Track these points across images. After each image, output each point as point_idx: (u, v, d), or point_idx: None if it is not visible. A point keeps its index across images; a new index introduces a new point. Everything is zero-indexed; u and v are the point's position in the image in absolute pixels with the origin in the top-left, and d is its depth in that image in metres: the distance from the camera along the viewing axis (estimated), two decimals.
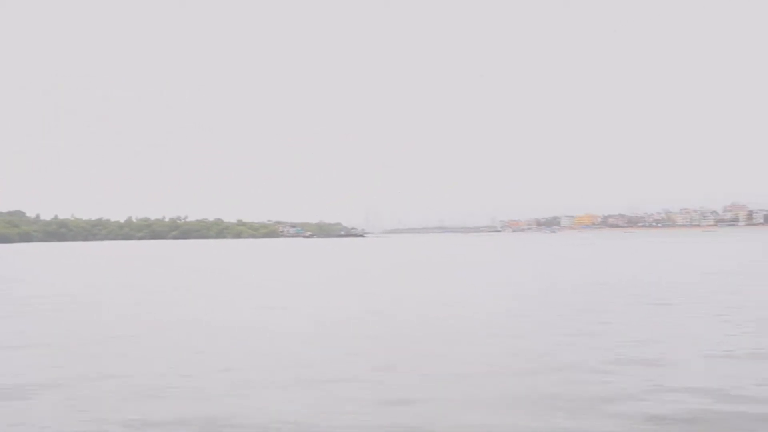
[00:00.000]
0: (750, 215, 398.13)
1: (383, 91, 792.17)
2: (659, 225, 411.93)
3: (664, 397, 10.43)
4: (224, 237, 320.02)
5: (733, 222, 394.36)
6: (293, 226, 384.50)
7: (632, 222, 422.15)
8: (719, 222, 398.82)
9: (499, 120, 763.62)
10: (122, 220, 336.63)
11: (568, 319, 19.20)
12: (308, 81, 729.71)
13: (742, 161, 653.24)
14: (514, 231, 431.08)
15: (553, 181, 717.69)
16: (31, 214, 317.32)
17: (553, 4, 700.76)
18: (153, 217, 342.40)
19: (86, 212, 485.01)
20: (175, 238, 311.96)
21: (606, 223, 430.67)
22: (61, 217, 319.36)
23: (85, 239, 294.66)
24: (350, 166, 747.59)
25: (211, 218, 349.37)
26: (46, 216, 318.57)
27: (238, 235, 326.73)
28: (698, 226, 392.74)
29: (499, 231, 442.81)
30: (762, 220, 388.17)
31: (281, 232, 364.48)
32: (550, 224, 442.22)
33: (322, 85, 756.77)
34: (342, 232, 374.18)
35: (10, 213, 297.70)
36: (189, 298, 29.12)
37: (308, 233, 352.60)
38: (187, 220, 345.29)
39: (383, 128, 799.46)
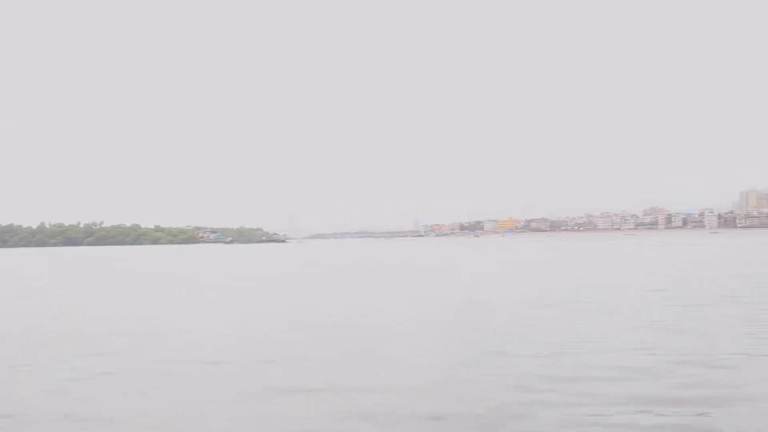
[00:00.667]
0: (669, 218, 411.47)
1: (310, 95, 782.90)
2: (581, 228, 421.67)
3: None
4: (141, 243, 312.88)
5: (653, 225, 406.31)
6: (213, 231, 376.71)
7: (554, 226, 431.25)
8: (639, 225, 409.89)
9: (423, 126, 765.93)
10: (34, 226, 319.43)
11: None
12: (233, 84, 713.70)
13: (661, 166, 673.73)
14: (437, 235, 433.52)
15: (476, 186, 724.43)
16: None
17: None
18: (67, 222, 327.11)
19: None
20: (90, 244, 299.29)
21: (529, 227, 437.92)
22: None
23: None
24: (273, 171, 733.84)
25: (128, 224, 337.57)
26: None
27: (155, 242, 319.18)
28: (619, 229, 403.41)
29: (422, 235, 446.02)
30: (680, 223, 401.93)
31: (201, 237, 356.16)
32: (473, 228, 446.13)
33: (248, 88, 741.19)
34: (263, 238, 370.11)
35: None
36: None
37: (229, 239, 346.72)
38: (103, 225, 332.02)
39: (307, 133, 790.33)
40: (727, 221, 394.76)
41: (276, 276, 46.79)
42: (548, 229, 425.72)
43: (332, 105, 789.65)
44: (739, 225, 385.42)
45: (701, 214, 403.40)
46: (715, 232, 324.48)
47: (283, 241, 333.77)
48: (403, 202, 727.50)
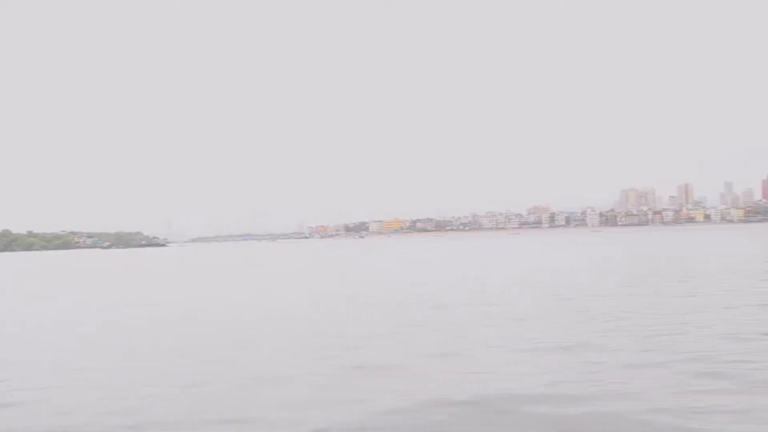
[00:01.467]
0: (552, 217, 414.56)
1: (183, 98, 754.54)
2: (467, 228, 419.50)
3: None
4: (12, 250, 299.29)
5: (537, 224, 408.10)
6: (90, 236, 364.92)
7: (440, 226, 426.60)
8: (524, 224, 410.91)
9: (307, 126, 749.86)
10: None
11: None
12: (117, 86, 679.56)
13: (545, 167, 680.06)
14: (322, 237, 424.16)
15: (362, 186, 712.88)
16: None
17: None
18: None
19: None
20: None
21: (414, 227, 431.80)
22: None
23: None
24: (152, 173, 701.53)
25: None
26: None
27: (28, 248, 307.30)
28: (504, 228, 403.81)
29: (307, 237, 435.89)
30: (564, 222, 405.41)
31: (77, 243, 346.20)
32: (358, 229, 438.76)
33: (132, 89, 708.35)
34: (143, 242, 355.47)
35: None
36: None
37: (106, 244, 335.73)
38: None
39: (187, 134, 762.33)
40: (608, 219, 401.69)
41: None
42: (434, 229, 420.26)
43: (210, 108, 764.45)
44: (619, 223, 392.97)
45: (583, 213, 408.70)
46: (596, 231, 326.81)
47: (164, 245, 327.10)
48: (288, 204, 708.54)
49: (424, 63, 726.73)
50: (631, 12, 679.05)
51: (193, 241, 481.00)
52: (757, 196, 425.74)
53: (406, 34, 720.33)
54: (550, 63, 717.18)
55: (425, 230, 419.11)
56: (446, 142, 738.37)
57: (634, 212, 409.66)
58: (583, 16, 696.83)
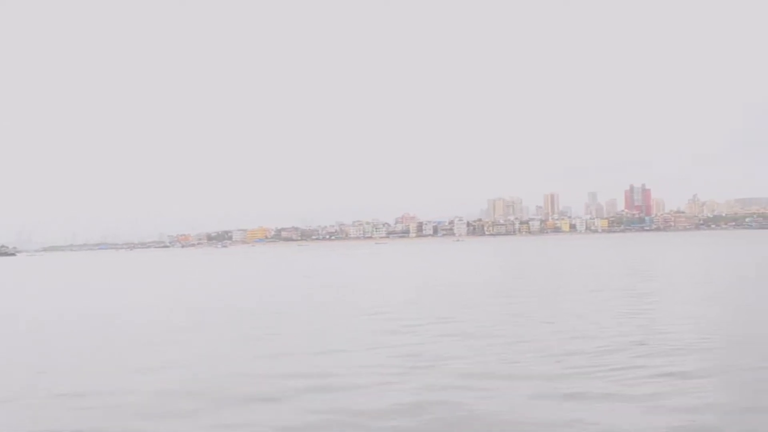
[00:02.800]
0: (420, 227, 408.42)
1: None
2: (333, 237, 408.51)
3: None
4: None
5: (404, 234, 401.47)
6: None
7: (306, 235, 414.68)
8: (391, 233, 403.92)
9: (169, 133, 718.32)
10: None
11: None
12: None
13: (412, 176, 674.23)
14: (183, 246, 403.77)
15: (226, 194, 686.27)
16: None
17: None
18: None
19: None
20: None
21: (280, 236, 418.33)
22: None
23: None
24: (3, 179, 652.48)
25: None
26: None
27: None
28: (371, 237, 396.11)
29: (168, 246, 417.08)
30: (431, 231, 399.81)
31: None
32: (221, 239, 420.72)
33: None
34: None
35: None
36: None
37: None
38: None
39: (41, 139, 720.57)
40: (475, 229, 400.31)
41: None
42: (299, 238, 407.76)
43: (59, 114, 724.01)
44: (487, 233, 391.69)
45: (451, 223, 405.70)
46: (458, 240, 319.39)
47: (13, 255, 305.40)
48: (149, 211, 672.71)
49: (296, 69, 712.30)
50: (505, 22, 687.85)
51: (45, 250, 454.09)
52: (620, 206, 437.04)
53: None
54: (420, 75, 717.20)
55: (291, 239, 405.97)
56: (314, 151, 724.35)
57: (501, 222, 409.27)
58: (457, 31, 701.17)
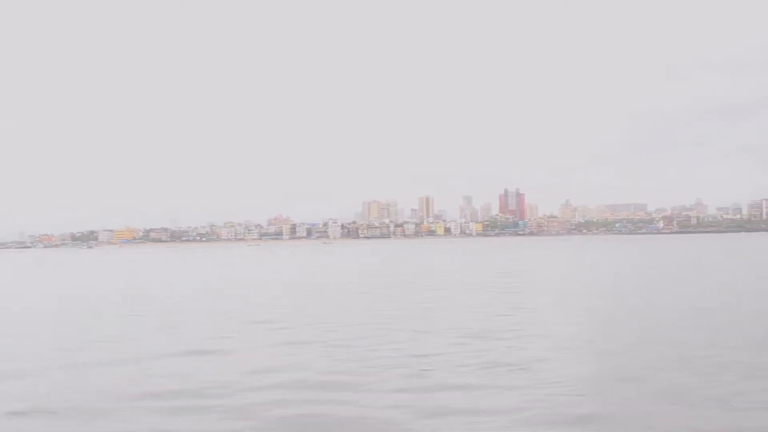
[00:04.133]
0: (294, 228, 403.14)
1: None
2: (204, 239, 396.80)
3: None
4: None
5: (278, 236, 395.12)
6: None
7: (176, 236, 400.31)
8: (264, 235, 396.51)
9: (38, 127, 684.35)
10: None
11: None
12: None
13: (286, 177, 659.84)
14: (46, 247, 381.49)
15: (91, 194, 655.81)
16: None
17: None
18: None
19: None
20: None
21: (148, 237, 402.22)
22: None
23: None
24: None
25: None
26: None
27: None
28: (243, 239, 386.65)
29: (29, 247, 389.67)
30: (305, 234, 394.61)
31: None
32: (87, 239, 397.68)
33: None
34: None
35: None
36: None
37: None
38: None
39: None
40: (350, 231, 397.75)
41: None
42: (169, 239, 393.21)
43: None
44: (361, 235, 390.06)
45: (325, 224, 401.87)
46: (327, 243, 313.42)
47: None
48: (7, 209, 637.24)
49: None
50: (383, 27, 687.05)
51: None
52: (495, 210, 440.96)
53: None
54: (295, 74, 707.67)
55: (160, 240, 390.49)
56: (185, 151, 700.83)
57: (376, 224, 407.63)
58: (334, 34, 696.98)
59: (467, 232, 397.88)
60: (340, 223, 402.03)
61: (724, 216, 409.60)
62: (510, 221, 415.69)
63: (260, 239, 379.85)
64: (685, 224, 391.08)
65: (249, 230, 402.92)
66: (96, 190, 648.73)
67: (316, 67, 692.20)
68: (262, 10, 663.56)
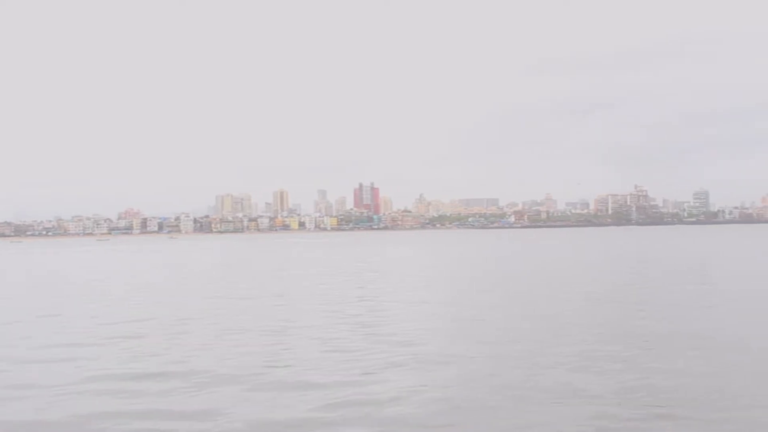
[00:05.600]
0: (145, 222, 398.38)
1: None
2: (50, 233, 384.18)
3: None
4: None
5: (128, 230, 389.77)
6: None
7: (20, 230, 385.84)
8: (114, 230, 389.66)
9: None
10: None
11: None
12: None
13: (137, 170, 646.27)
14: None
15: None
16: None
17: None
18: None
19: None
20: None
21: None
22: None
23: None
24: None
25: None
26: None
27: None
28: (92, 234, 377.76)
29: None
30: (156, 228, 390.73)
31: None
32: None
33: None
34: None
35: None
36: None
37: None
38: None
39: None
40: (203, 226, 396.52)
41: None
42: (13, 233, 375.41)
43: None
44: (215, 230, 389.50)
45: (177, 219, 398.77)
46: (173, 238, 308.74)
47: None
48: None
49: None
50: (261, 19, 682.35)
51: None
52: (350, 204, 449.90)
53: None
54: (153, 64, 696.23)
55: (3, 235, 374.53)
56: (32, 141, 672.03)
57: (230, 219, 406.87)
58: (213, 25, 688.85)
59: (322, 226, 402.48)
60: (192, 217, 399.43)
61: (573, 211, 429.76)
62: (365, 216, 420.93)
63: (110, 233, 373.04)
64: (536, 218, 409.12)
65: (98, 224, 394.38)
66: None
67: (174, 60, 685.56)
68: None
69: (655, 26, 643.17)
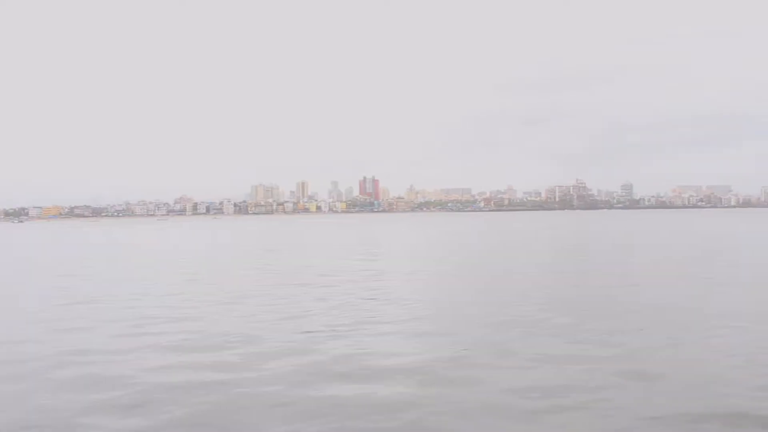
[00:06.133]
0: (195, 206, 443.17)
1: None
2: (120, 214, 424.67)
3: None
4: None
5: (182, 212, 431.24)
6: None
7: (96, 212, 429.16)
8: (171, 212, 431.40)
9: None
10: None
11: None
12: None
13: (188, 161, 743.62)
14: None
15: (19, 172, 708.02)
16: None
17: None
18: None
19: None
20: None
21: (73, 213, 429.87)
22: None
23: None
24: None
25: None
26: None
27: None
28: (154, 215, 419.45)
29: None
30: (205, 210, 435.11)
31: None
32: (18, 215, 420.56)
33: None
34: None
35: None
36: None
37: None
38: None
39: None
40: (241, 209, 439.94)
41: None
42: (91, 215, 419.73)
43: None
44: (250, 212, 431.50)
45: (221, 203, 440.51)
46: (216, 218, 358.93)
47: None
48: None
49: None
50: (265, 19, 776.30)
51: None
52: (356, 192, 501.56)
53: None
54: (203, 63, 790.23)
55: (83, 216, 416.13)
56: (104, 136, 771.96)
57: (262, 203, 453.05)
58: (229, 23, 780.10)
59: (334, 209, 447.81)
60: (233, 202, 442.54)
61: (528, 198, 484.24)
62: (367, 201, 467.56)
63: (168, 215, 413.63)
64: (500, 204, 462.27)
65: (158, 207, 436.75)
66: (23, 171, 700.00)
67: (214, 58, 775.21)
68: None
69: (593, 54, 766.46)
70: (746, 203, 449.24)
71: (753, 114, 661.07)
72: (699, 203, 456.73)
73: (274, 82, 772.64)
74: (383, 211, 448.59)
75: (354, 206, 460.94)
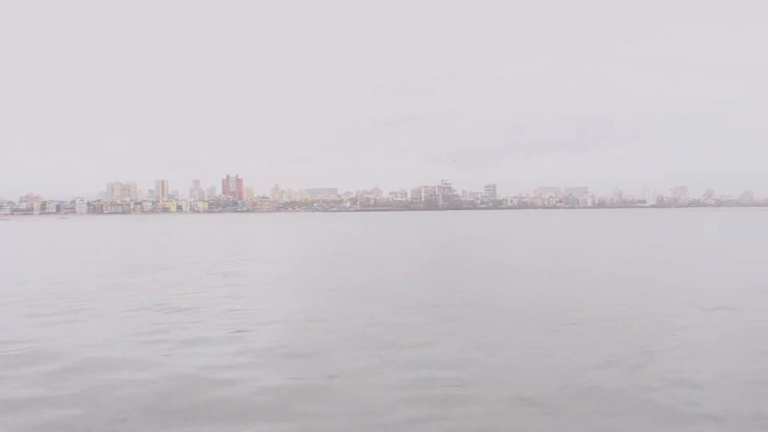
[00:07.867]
0: (44, 205, 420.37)
1: None
2: None
3: None
4: None
5: (29, 211, 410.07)
6: None
7: None
8: (15, 211, 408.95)
9: None
10: None
11: None
12: None
13: (36, 156, 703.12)
14: None
15: None
16: None
17: None
18: None
19: None
20: None
21: None
22: None
23: None
24: None
25: None
26: None
27: None
28: None
29: None
30: (55, 210, 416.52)
31: None
32: None
33: None
34: None
35: None
36: None
37: None
38: None
39: None
40: (95, 208, 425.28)
41: None
42: None
43: None
44: (106, 211, 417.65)
45: (73, 202, 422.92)
46: (64, 218, 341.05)
47: None
48: None
49: None
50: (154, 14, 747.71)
51: None
52: (219, 191, 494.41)
53: None
54: (74, 54, 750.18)
55: None
56: None
57: (119, 202, 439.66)
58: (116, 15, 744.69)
59: (196, 209, 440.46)
60: (86, 201, 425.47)
61: (394, 199, 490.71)
62: (231, 201, 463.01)
63: (12, 215, 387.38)
64: (366, 204, 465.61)
65: (1, 206, 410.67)
66: None
67: (70, 48, 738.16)
68: None
69: (464, 59, 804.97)
70: (601, 204, 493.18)
71: (611, 120, 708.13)
72: (558, 204, 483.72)
73: (136, 73, 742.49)
74: (247, 210, 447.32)
75: (216, 206, 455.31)
